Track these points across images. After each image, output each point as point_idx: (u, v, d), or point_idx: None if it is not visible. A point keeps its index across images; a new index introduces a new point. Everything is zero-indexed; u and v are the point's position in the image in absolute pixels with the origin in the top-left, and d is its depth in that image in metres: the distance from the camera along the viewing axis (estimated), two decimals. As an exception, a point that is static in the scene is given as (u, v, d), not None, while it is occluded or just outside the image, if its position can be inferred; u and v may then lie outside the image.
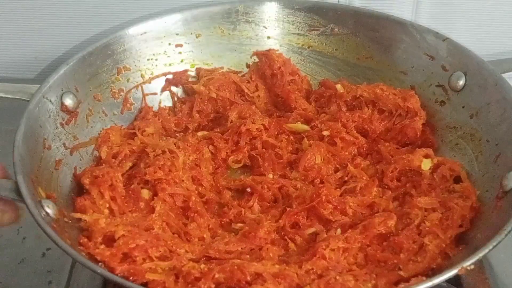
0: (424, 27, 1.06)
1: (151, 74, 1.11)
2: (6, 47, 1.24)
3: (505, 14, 1.16)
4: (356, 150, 1.01)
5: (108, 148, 0.98)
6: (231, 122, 1.05)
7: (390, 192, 0.93)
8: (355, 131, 1.01)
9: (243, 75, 1.14)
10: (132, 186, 0.91)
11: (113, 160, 0.97)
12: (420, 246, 0.81)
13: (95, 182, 0.89)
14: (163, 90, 1.12)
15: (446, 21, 1.15)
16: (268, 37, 1.16)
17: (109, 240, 0.81)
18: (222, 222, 0.92)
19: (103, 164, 0.96)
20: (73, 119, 0.97)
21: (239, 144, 1.02)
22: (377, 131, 1.02)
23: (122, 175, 0.93)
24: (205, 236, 0.88)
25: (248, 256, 0.83)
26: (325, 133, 1.00)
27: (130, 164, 0.96)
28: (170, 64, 1.12)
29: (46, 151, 0.90)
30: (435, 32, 1.04)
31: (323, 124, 1.02)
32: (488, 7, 1.15)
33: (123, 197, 0.90)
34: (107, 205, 0.88)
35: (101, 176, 0.89)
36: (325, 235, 0.85)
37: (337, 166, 0.99)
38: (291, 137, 1.03)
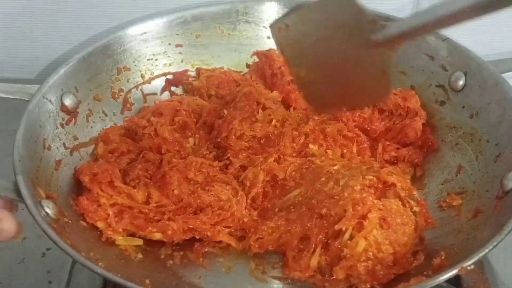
0: (424, 27, 1.06)
1: (151, 74, 1.11)
2: (6, 47, 1.24)
3: (505, 14, 1.15)
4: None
5: (105, 144, 0.99)
6: None
7: None
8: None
9: (243, 75, 1.14)
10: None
11: (110, 155, 0.97)
12: None
13: (94, 179, 0.89)
14: (163, 90, 1.12)
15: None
16: (268, 37, 1.16)
17: None
18: None
19: (100, 160, 0.96)
20: (73, 119, 0.97)
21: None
22: (377, 130, 1.03)
23: (120, 170, 0.94)
24: None
25: None
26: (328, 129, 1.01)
27: (127, 160, 0.97)
28: (170, 64, 1.12)
29: (46, 151, 0.90)
30: (435, 32, 1.04)
31: (323, 124, 1.02)
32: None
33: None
34: (111, 202, 0.88)
35: (100, 173, 0.90)
36: None
37: None
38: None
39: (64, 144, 0.94)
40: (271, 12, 1.15)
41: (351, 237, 0.81)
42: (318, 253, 0.83)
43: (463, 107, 0.99)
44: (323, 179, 0.89)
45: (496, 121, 0.93)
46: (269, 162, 0.94)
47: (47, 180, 0.87)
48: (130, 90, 1.08)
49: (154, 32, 1.10)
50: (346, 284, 0.81)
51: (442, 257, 0.79)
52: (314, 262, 0.83)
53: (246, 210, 0.91)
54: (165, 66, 1.12)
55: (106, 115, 1.04)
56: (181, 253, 0.89)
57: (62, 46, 1.21)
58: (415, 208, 0.87)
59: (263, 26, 1.16)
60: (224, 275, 0.87)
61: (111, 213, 0.87)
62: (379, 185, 0.87)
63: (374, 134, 1.03)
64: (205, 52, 1.14)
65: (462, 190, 0.92)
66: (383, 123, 1.03)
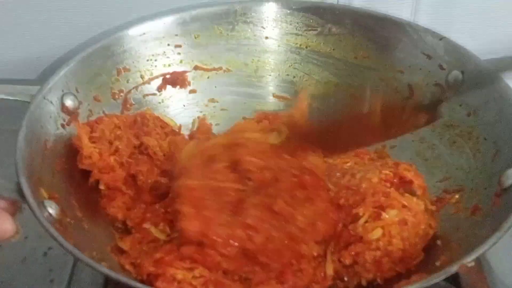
0: (421, 27, 1.07)
1: (151, 74, 1.11)
2: (6, 48, 1.24)
3: (504, 14, 1.16)
4: None
5: None
6: None
7: None
8: None
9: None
10: None
11: None
12: None
13: (161, 265, 0.79)
14: (159, 89, 1.12)
15: (446, 21, 1.16)
16: (266, 37, 1.16)
17: None
18: None
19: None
20: (74, 120, 0.97)
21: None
22: None
23: None
24: None
25: None
26: None
27: None
28: (169, 65, 1.12)
29: (48, 152, 0.90)
30: (432, 31, 1.05)
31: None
32: (487, 7, 1.16)
33: None
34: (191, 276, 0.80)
35: (165, 256, 0.80)
36: None
37: None
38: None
39: (65, 145, 0.94)
40: (269, 12, 1.15)
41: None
42: (330, 259, 0.83)
43: (460, 105, 1.00)
44: (338, 174, 0.89)
45: (493, 119, 0.94)
46: None
47: (48, 181, 0.87)
48: (130, 91, 1.08)
49: (153, 32, 1.10)
50: (350, 273, 0.82)
51: (442, 255, 0.81)
52: (329, 269, 0.83)
53: None
54: (164, 66, 1.12)
55: (106, 115, 1.04)
56: None
57: (62, 46, 1.21)
58: (430, 207, 0.87)
59: (261, 27, 1.16)
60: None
61: (198, 285, 0.78)
62: (395, 180, 0.87)
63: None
64: (204, 53, 1.14)
65: (460, 188, 0.93)
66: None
